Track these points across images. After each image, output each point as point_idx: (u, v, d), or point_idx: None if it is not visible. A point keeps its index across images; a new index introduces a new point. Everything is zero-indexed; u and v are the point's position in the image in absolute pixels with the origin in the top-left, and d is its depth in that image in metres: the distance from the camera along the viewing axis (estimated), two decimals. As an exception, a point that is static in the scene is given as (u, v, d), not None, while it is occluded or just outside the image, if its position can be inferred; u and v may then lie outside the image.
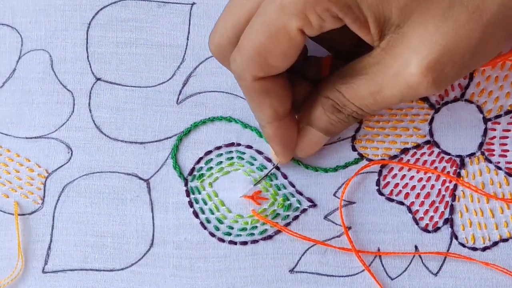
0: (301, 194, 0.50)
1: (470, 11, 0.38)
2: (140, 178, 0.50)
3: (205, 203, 0.50)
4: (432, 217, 0.50)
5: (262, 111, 0.45)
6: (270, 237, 0.50)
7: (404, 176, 0.50)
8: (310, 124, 0.46)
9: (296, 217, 0.50)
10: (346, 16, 0.39)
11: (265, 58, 0.41)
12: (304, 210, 0.50)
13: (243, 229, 0.50)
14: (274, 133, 0.46)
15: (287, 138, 0.47)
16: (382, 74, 0.41)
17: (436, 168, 0.50)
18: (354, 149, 0.51)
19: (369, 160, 0.50)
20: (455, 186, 0.50)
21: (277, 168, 0.50)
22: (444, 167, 0.50)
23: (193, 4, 0.51)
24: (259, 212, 0.50)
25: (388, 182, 0.50)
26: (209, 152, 0.50)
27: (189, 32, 0.51)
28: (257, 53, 0.41)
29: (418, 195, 0.50)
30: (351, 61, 0.43)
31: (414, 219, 0.50)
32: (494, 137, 0.51)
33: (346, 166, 0.50)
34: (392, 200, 0.50)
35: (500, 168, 0.50)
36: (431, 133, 0.51)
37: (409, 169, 0.50)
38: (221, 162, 0.50)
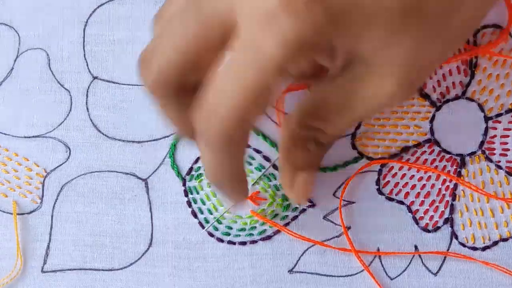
0: (300, 194, 0.50)
1: (433, 33, 0.38)
2: (138, 178, 0.50)
3: (204, 203, 0.50)
4: (432, 217, 0.50)
5: (230, 167, 0.40)
6: (269, 237, 0.49)
7: (404, 175, 0.50)
8: (296, 169, 0.45)
9: (295, 217, 0.50)
10: (319, 56, 0.39)
11: (246, 118, 0.36)
12: (303, 210, 0.50)
13: (242, 229, 0.49)
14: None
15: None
16: (355, 102, 0.40)
17: (436, 167, 0.50)
18: (353, 147, 0.50)
19: (369, 158, 0.50)
20: (456, 186, 0.50)
21: (274, 167, 0.50)
22: (445, 166, 0.50)
23: (190, 2, 0.51)
24: (258, 212, 0.50)
25: (388, 181, 0.50)
26: (207, 151, 0.50)
27: (186, 31, 0.51)
28: (237, 116, 0.36)
29: (418, 195, 0.50)
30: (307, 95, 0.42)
31: (414, 218, 0.50)
32: (495, 136, 0.50)
33: (345, 165, 0.50)
34: (392, 199, 0.50)
35: (500, 167, 0.50)
36: (432, 131, 0.50)
37: (409, 168, 0.50)
38: (219, 162, 0.50)
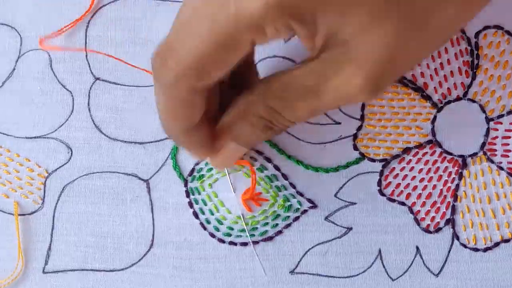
0: (301, 195, 0.50)
1: (413, 27, 0.37)
2: (140, 179, 0.50)
3: (205, 204, 0.50)
4: (433, 218, 0.50)
5: (176, 123, 0.42)
6: (270, 238, 0.49)
7: (405, 176, 0.50)
8: (234, 139, 0.44)
9: (296, 218, 0.50)
10: (301, 29, 0.37)
11: (206, 68, 0.38)
12: (305, 211, 0.50)
13: (243, 230, 0.49)
14: (190, 141, 0.44)
15: (201, 143, 0.45)
16: (324, 88, 0.39)
17: (438, 168, 0.50)
18: (355, 148, 0.50)
19: (371, 160, 0.50)
20: (457, 187, 0.50)
21: (271, 161, 0.50)
22: (446, 167, 0.50)
23: (192, 3, 0.51)
24: (259, 213, 0.50)
25: (390, 183, 0.50)
26: (209, 152, 0.50)
27: (188, 32, 0.51)
28: (197, 61, 0.37)
29: (419, 196, 0.50)
30: (277, 72, 0.41)
31: (416, 219, 0.50)
32: (496, 137, 0.50)
33: (347, 166, 0.50)
34: (393, 200, 0.50)
35: (502, 168, 0.50)
36: (433, 133, 0.50)
37: (411, 169, 0.50)
38: (221, 163, 0.50)
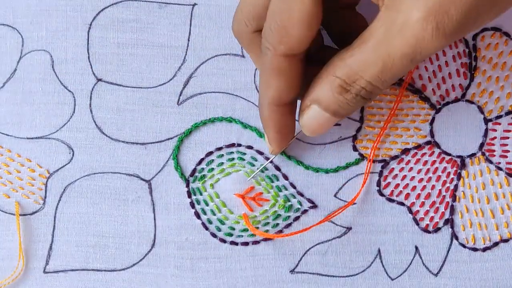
0: (302, 195, 0.50)
1: None
2: (142, 179, 0.50)
3: (207, 204, 0.50)
4: (432, 218, 0.50)
5: (266, 92, 0.45)
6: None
7: (404, 176, 0.50)
8: (316, 102, 0.44)
9: (297, 218, 0.50)
10: None
11: (285, 28, 0.41)
12: (305, 211, 0.50)
13: (245, 230, 0.50)
14: (270, 116, 0.46)
15: (282, 125, 0.47)
16: (388, 33, 0.39)
17: (436, 168, 0.50)
18: (355, 149, 0.51)
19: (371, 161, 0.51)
20: (456, 187, 0.50)
21: (272, 162, 0.50)
22: (445, 168, 0.50)
23: (194, 5, 0.51)
24: (260, 213, 0.50)
25: (389, 183, 0.50)
26: (210, 153, 0.50)
27: (190, 33, 0.51)
28: (277, 24, 0.42)
29: (418, 196, 0.50)
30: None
31: (415, 219, 0.50)
32: (495, 137, 0.51)
33: (347, 166, 0.50)
34: (392, 200, 0.50)
35: (500, 169, 0.50)
36: (432, 134, 0.51)
37: (410, 170, 0.50)
38: (222, 163, 0.50)
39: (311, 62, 0.46)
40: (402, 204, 0.50)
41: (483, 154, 0.51)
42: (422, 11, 0.38)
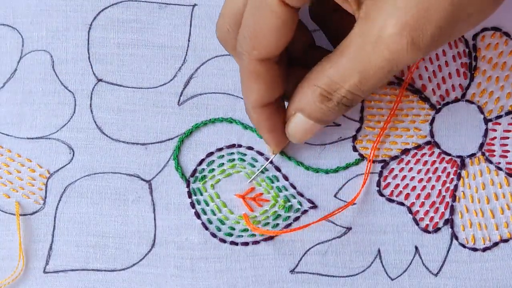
0: (302, 195, 0.50)
1: None
2: (142, 179, 0.50)
3: (207, 204, 0.50)
4: (432, 218, 0.50)
5: (248, 96, 0.45)
6: (271, 238, 0.50)
7: (404, 177, 0.50)
8: (300, 111, 0.45)
9: (297, 218, 0.50)
10: None
11: (257, 36, 0.42)
12: (305, 212, 0.50)
13: (245, 230, 0.50)
14: (258, 118, 0.47)
15: (272, 124, 0.47)
16: (364, 45, 0.39)
17: (436, 168, 0.50)
18: (355, 149, 0.51)
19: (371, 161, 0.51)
20: (456, 187, 0.50)
21: (272, 163, 0.50)
22: (445, 168, 0.50)
23: (194, 5, 0.51)
24: (261, 213, 0.50)
25: (389, 183, 0.50)
26: (211, 153, 0.50)
27: (190, 34, 0.51)
28: (250, 31, 0.42)
29: (418, 196, 0.50)
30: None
31: (415, 219, 0.50)
32: (495, 137, 0.51)
33: (347, 167, 0.51)
34: (392, 201, 0.50)
35: (500, 169, 0.50)
36: (431, 134, 0.51)
37: (410, 170, 0.50)
38: (222, 164, 0.50)
39: (299, 62, 0.47)
40: (402, 204, 0.50)
41: (483, 154, 0.51)
42: (397, 26, 0.38)
